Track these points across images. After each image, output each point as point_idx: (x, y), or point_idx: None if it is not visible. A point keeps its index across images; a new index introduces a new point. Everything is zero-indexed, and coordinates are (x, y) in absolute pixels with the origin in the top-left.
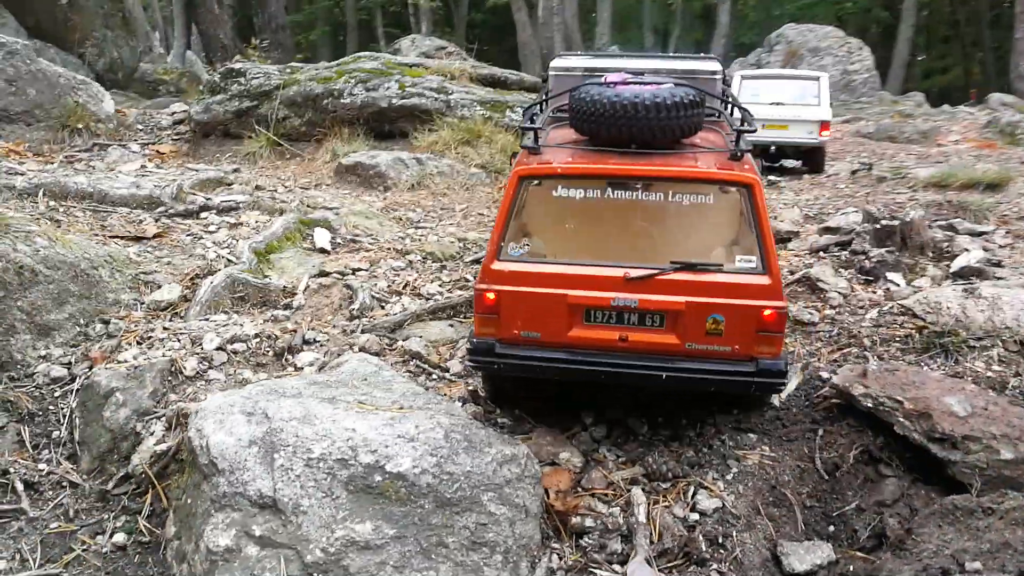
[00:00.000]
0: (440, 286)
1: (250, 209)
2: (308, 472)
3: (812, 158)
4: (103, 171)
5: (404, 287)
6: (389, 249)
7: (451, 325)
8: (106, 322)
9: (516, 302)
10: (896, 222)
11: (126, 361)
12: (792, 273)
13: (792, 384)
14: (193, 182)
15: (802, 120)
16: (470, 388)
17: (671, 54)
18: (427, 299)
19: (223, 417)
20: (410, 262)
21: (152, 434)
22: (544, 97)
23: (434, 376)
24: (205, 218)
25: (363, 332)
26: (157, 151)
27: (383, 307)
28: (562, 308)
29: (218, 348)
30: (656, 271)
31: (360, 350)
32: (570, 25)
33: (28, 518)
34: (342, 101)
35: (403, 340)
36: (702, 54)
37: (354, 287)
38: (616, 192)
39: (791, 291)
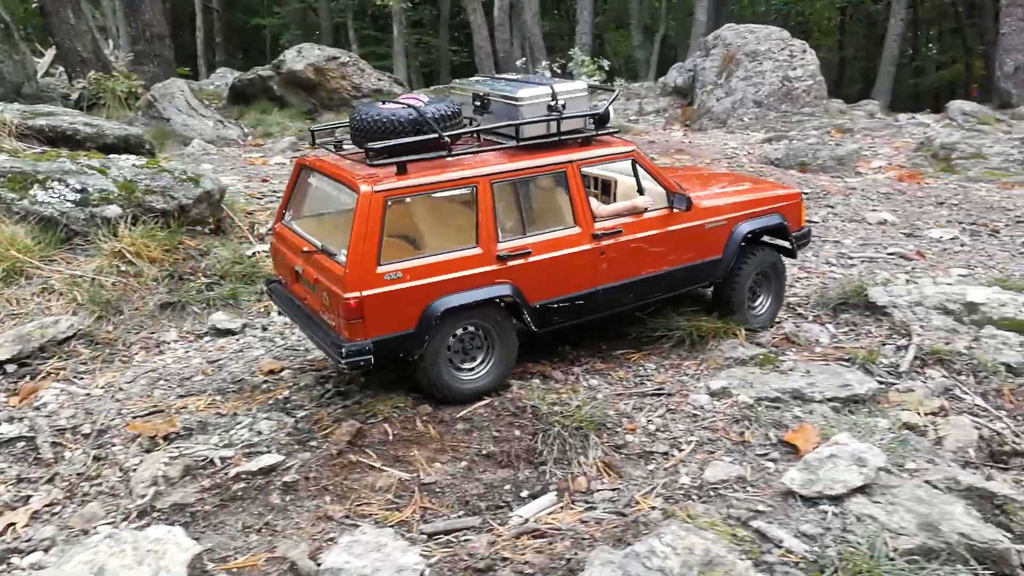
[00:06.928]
0: None
1: None
2: None
3: None
4: None
5: None
6: None
7: None
8: None
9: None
10: None
11: None
12: None
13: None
14: None
15: None
16: None
17: (512, 77)
18: None
19: None
20: None
21: None
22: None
23: None
24: None
25: None
26: None
27: None
28: (291, 268)
29: None
30: (315, 250)
31: None
32: (530, 29)
33: None
34: None
35: None
36: (547, 77)
37: None
38: (326, 186)
39: None
